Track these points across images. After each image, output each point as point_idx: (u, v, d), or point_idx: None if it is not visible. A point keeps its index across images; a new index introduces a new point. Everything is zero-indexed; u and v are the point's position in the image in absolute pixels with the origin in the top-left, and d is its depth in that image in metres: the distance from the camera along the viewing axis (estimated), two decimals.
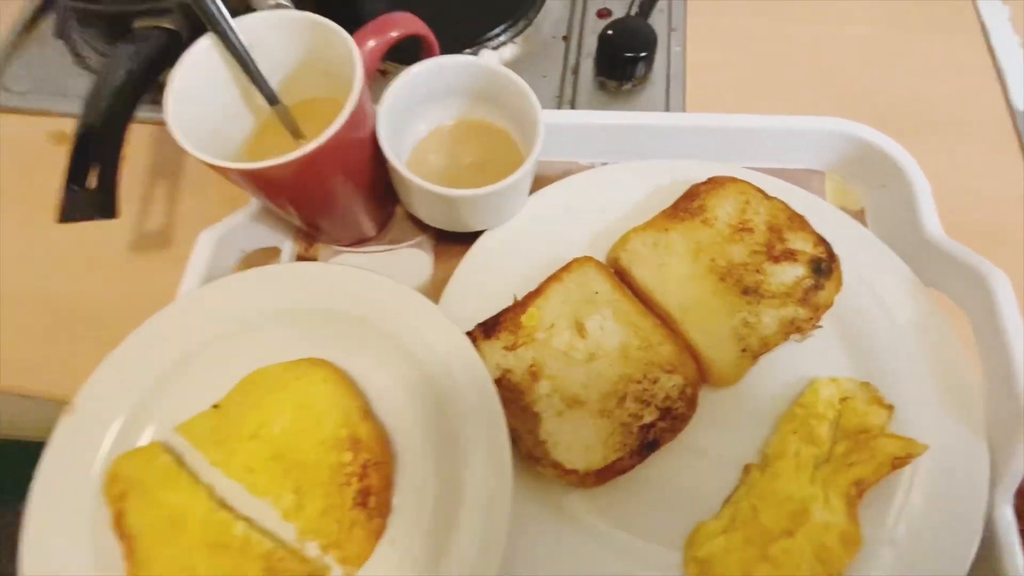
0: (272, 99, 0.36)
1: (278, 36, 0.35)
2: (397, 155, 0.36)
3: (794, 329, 0.35)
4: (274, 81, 0.36)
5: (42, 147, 0.52)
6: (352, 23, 0.35)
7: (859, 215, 0.42)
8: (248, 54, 0.34)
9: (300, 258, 0.43)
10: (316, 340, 0.34)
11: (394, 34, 0.35)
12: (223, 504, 0.31)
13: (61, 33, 0.59)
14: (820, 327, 0.35)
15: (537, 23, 0.52)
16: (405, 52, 0.39)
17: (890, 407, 0.33)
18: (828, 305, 0.35)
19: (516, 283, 0.38)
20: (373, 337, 0.34)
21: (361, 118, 0.33)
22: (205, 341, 0.34)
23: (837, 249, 0.37)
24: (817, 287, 0.35)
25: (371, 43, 0.35)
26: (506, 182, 0.35)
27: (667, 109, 0.47)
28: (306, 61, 0.36)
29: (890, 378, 0.34)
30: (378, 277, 0.34)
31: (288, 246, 0.43)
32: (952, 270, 0.35)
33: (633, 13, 0.51)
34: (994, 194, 0.44)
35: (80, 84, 0.55)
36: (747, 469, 0.33)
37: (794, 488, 0.31)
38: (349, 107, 0.31)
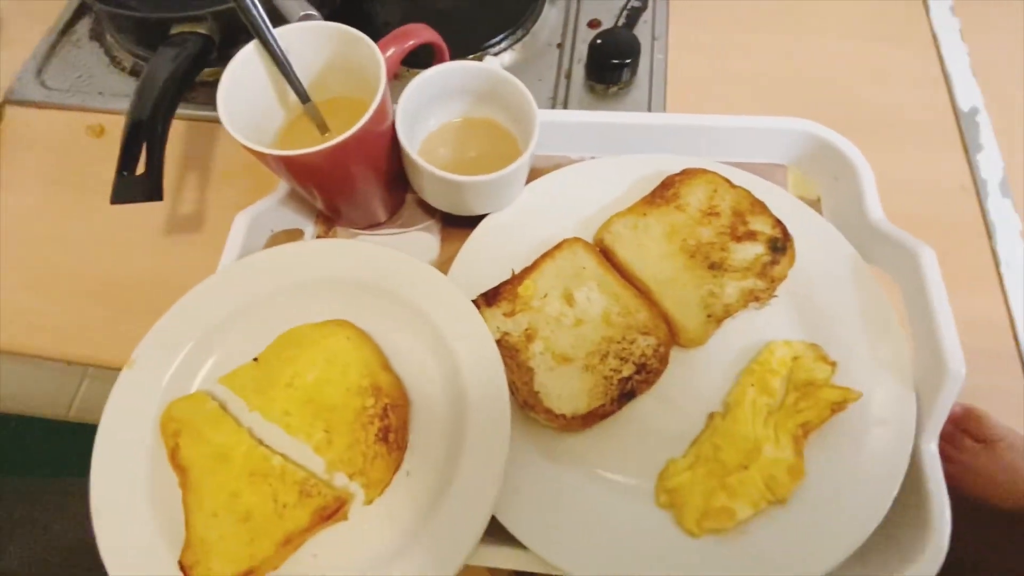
0: (304, 97, 0.41)
1: (311, 43, 0.40)
2: (410, 146, 0.41)
3: (753, 298, 0.40)
4: (305, 81, 0.41)
5: (82, 139, 0.57)
6: (368, 31, 0.40)
7: (816, 204, 0.47)
8: (286, 58, 0.39)
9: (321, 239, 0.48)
10: (342, 305, 0.39)
11: (412, 42, 0.41)
12: (262, 443, 0.36)
13: (97, 36, 0.64)
14: (776, 296, 0.41)
15: (534, 32, 0.58)
16: (417, 57, 0.44)
17: (833, 364, 0.38)
18: (782, 278, 0.41)
19: (514, 260, 0.43)
20: (392, 303, 0.39)
21: (383, 114, 0.39)
22: (245, 305, 0.39)
23: (792, 231, 0.42)
24: (773, 262, 0.41)
25: (392, 50, 0.40)
26: (507, 170, 0.40)
27: (649, 110, 0.53)
28: (333, 64, 0.42)
29: (834, 340, 0.39)
30: (396, 252, 0.40)
31: (310, 228, 0.49)
32: (889, 249, 0.41)
33: (620, 24, 0.56)
34: (937, 186, 0.50)
35: (114, 83, 0.60)
36: (711, 416, 0.38)
37: (750, 430, 0.37)
38: (376, 103, 0.36)
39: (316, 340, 0.37)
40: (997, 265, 0.46)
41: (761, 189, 0.44)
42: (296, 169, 0.39)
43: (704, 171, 0.45)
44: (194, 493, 0.34)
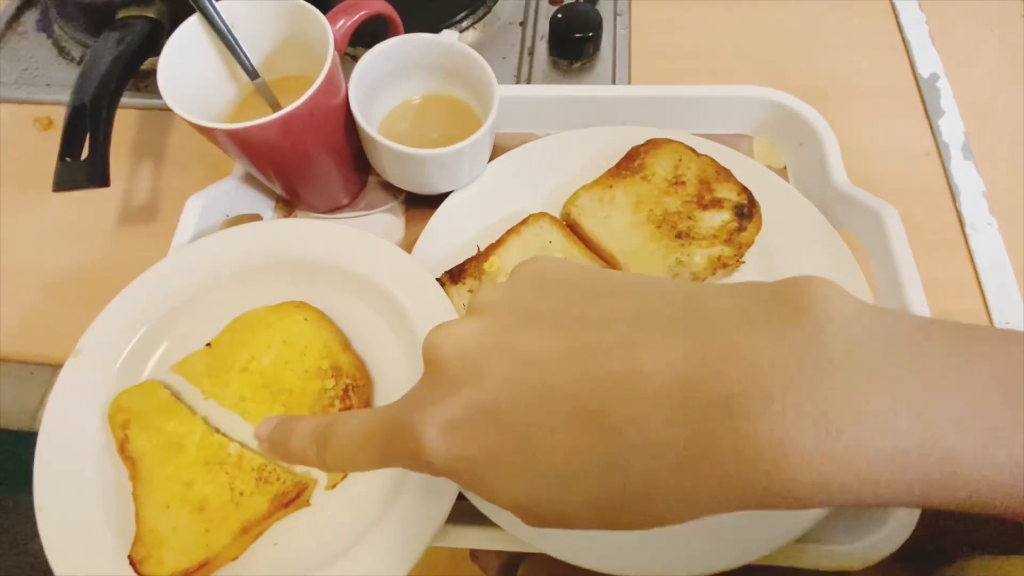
0: (253, 74, 0.39)
1: (258, 17, 0.39)
2: (369, 125, 0.40)
3: (721, 265, 0.40)
4: (255, 58, 0.40)
5: (30, 132, 0.55)
6: (321, 7, 0.39)
7: (782, 172, 0.47)
8: (231, 32, 0.37)
9: None
10: (299, 286, 0.38)
11: (363, 12, 0.39)
12: (218, 431, 0.35)
13: (44, 27, 0.61)
14: (744, 263, 0.40)
15: (495, 11, 0.57)
16: (374, 39, 0.43)
17: None
18: (750, 243, 0.40)
19: (479, 236, 0.42)
20: (352, 282, 0.38)
21: (333, 87, 0.37)
22: (196, 289, 0.38)
23: (759, 197, 0.42)
24: (740, 228, 0.41)
25: (342, 21, 0.39)
26: (468, 141, 0.39)
27: (614, 83, 0.52)
28: (285, 40, 0.40)
29: None
30: (355, 231, 0.39)
31: (269, 213, 0.47)
32: (854, 210, 0.41)
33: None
34: (899, 150, 0.50)
35: (63, 74, 0.58)
36: None
37: None
38: (324, 73, 0.35)
39: (272, 322, 0.36)
40: (963, 227, 0.46)
41: (726, 157, 0.44)
42: (245, 146, 0.37)
43: (669, 141, 0.44)
44: (145, 485, 0.32)
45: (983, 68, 0.54)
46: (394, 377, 0.36)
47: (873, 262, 0.39)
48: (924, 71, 0.54)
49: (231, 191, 0.44)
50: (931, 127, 0.51)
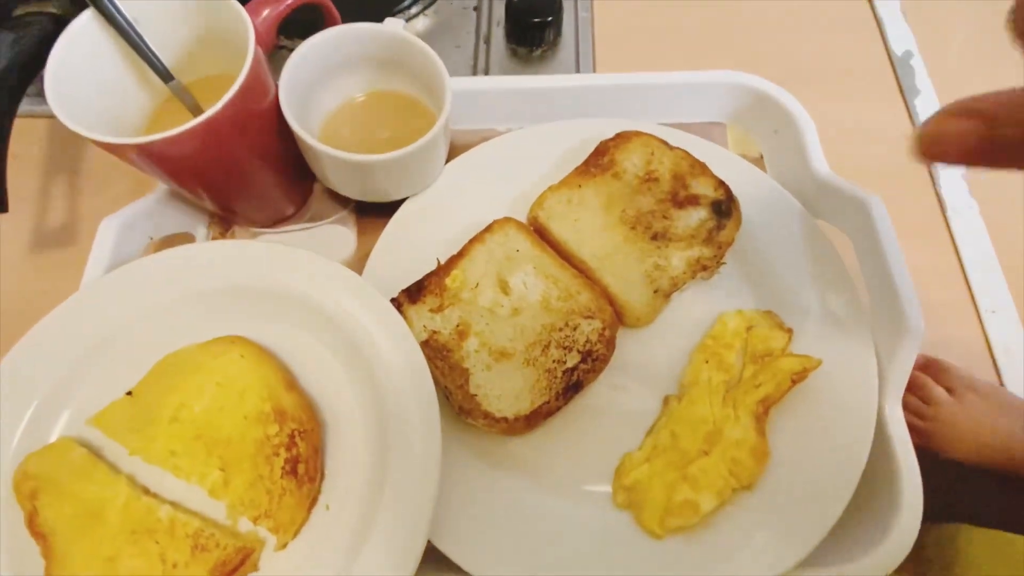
0: (165, 76, 0.34)
1: (167, 10, 0.33)
2: (307, 129, 0.36)
3: (700, 268, 0.37)
4: (167, 58, 0.35)
5: None
6: None
7: (758, 161, 0.45)
8: (133, 27, 0.32)
9: None
10: (234, 318, 0.34)
11: (288, 1, 0.35)
12: (146, 491, 0.30)
13: None
14: (724, 264, 0.38)
15: None
16: (315, 28, 0.38)
17: (789, 331, 0.35)
18: (730, 242, 0.37)
19: (439, 248, 0.38)
20: (295, 310, 0.33)
21: (258, 87, 0.33)
22: (113, 329, 0.33)
23: (736, 191, 0.39)
24: (719, 227, 0.38)
25: (265, 11, 0.34)
26: (418, 144, 0.35)
27: (578, 71, 0.49)
28: (201, 37, 0.35)
29: (788, 305, 0.37)
30: (292, 250, 0.34)
31: (202, 231, 0.42)
32: (837, 201, 0.38)
33: None
34: (879, 133, 0.48)
35: None
36: (666, 400, 0.35)
37: (708, 411, 0.33)
38: (244, 73, 0.30)
39: (203, 363, 0.32)
40: (944, 211, 0.45)
41: (700, 149, 0.41)
42: (163, 161, 0.33)
43: (639, 133, 0.41)
44: (59, 564, 0.28)
45: (957, 43, 0.52)
46: (348, 417, 0.32)
47: (859, 256, 0.37)
48: (898, 49, 0.51)
49: (155, 209, 0.39)
50: (907, 108, 0.49)
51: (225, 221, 0.42)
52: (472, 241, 0.38)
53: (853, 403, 0.33)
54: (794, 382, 0.33)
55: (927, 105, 0.49)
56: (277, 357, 0.33)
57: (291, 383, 0.32)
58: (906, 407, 0.38)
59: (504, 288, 0.36)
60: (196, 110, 0.36)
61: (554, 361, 0.34)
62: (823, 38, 0.52)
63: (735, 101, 0.44)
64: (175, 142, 0.30)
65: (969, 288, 0.42)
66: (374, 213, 0.42)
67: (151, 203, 0.39)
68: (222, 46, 0.34)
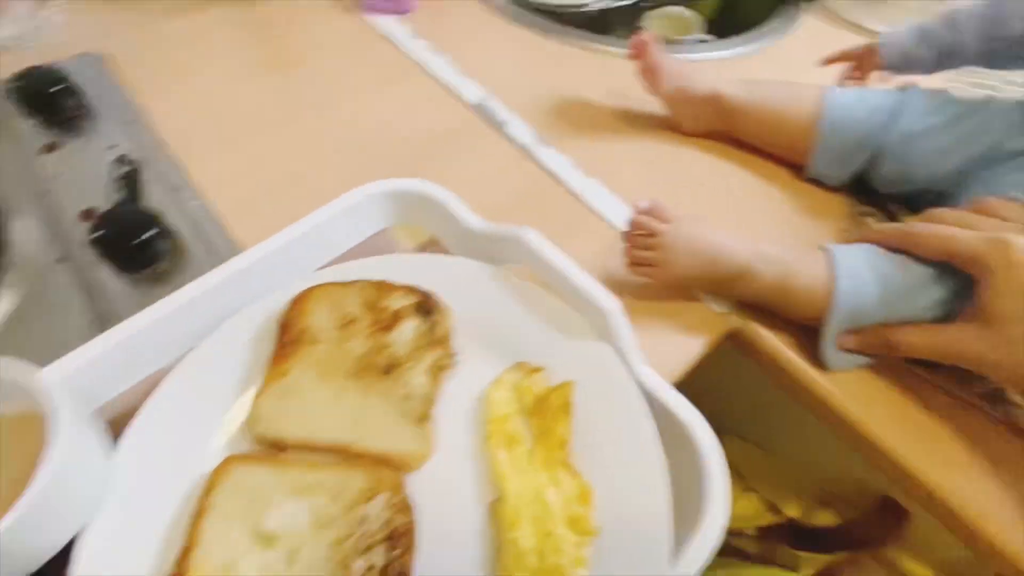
0: None
1: None
2: None
3: (439, 370, 0.37)
4: None
5: None
6: None
7: (434, 243, 0.47)
8: None
9: None
10: None
11: None
12: None
13: None
14: (456, 354, 0.38)
15: (16, 263, 0.43)
16: None
17: (539, 368, 0.37)
18: (448, 333, 0.38)
19: (158, 551, 0.30)
20: None
21: None
22: None
23: (425, 282, 0.40)
24: (434, 324, 0.38)
25: None
26: (33, 491, 0.26)
27: (220, 261, 0.44)
28: None
29: (525, 344, 0.38)
30: None
31: None
32: (501, 244, 0.42)
33: (121, 200, 0.46)
34: (502, 171, 0.55)
35: None
36: (491, 507, 0.33)
37: (528, 491, 0.33)
38: None
39: None
40: (581, 200, 0.54)
41: (373, 269, 0.41)
42: None
43: (311, 289, 0.39)
44: None
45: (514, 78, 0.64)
46: None
47: (543, 278, 0.41)
48: (473, 98, 0.61)
49: None
50: (506, 136, 0.58)
51: None
52: (196, 518, 0.31)
53: (615, 392, 0.36)
54: (567, 411, 0.35)
55: (518, 126, 0.58)
56: None
57: None
58: (634, 244, 0.44)
59: (266, 540, 0.30)
60: None
61: (364, 573, 0.29)
62: (419, 124, 0.58)
63: (380, 207, 0.46)
64: None
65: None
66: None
67: None
68: None
